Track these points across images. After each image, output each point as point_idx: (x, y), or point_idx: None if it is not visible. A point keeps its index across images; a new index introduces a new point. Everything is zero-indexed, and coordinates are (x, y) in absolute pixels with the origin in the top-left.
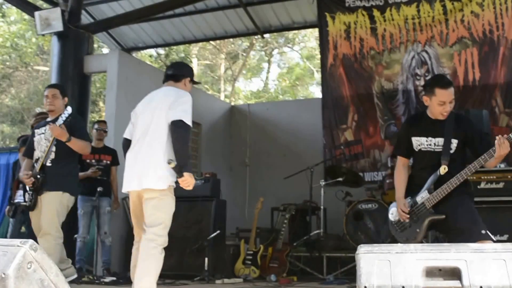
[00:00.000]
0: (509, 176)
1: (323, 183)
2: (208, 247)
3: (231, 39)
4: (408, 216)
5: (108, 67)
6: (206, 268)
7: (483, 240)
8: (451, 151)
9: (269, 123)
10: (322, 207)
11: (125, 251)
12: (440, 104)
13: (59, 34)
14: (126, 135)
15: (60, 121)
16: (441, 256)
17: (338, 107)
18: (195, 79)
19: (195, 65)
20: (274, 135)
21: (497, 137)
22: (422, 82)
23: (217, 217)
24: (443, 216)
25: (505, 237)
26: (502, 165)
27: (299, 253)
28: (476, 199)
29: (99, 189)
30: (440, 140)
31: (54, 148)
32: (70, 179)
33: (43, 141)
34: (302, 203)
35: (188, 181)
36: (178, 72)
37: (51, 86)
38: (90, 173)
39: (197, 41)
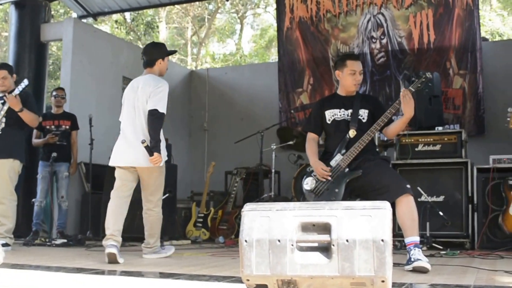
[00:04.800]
0: (445, 139)
1: (274, 146)
2: None
3: (197, 3)
4: (329, 173)
5: (63, 35)
6: None
7: (408, 194)
8: (363, 120)
9: (227, 88)
10: (273, 170)
11: (81, 214)
12: (351, 74)
13: (16, 3)
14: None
15: (17, 91)
16: (316, 213)
17: (294, 70)
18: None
19: (163, 29)
20: (232, 100)
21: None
22: (378, 45)
23: (168, 181)
24: (360, 172)
25: (441, 198)
26: (440, 128)
27: None
28: (413, 161)
29: (53, 154)
30: (351, 111)
31: (4, 119)
32: (18, 147)
33: None
34: (255, 167)
35: (156, 159)
36: (150, 58)
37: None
38: (47, 138)
39: (162, 5)
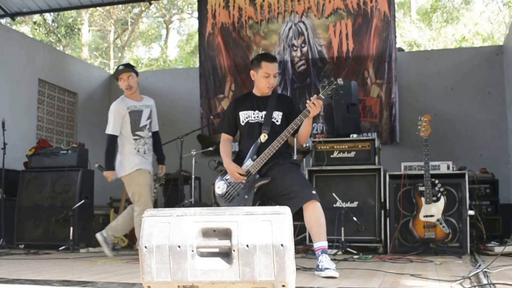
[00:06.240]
0: (359, 146)
1: (194, 152)
2: (74, 217)
3: (120, 6)
4: (244, 177)
5: None
6: (71, 238)
7: (314, 200)
8: (277, 123)
9: (148, 92)
10: (193, 176)
11: None
12: (265, 76)
13: None
14: None
15: None
16: (216, 219)
17: (216, 76)
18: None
19: (86, 32)
20: None
21: (310, 100)
22: (299, 53)
23: (84, 187)
24: (270, 179)
25: (355, 203)
26: (355, 135)
27: None
28: (328, 167)
29: None
30: (265, 114)
31: None
32: None
33: None
34: (175, 173)
35: (106, 175)
36: None
37: None
38: None
39: (83, 7)
